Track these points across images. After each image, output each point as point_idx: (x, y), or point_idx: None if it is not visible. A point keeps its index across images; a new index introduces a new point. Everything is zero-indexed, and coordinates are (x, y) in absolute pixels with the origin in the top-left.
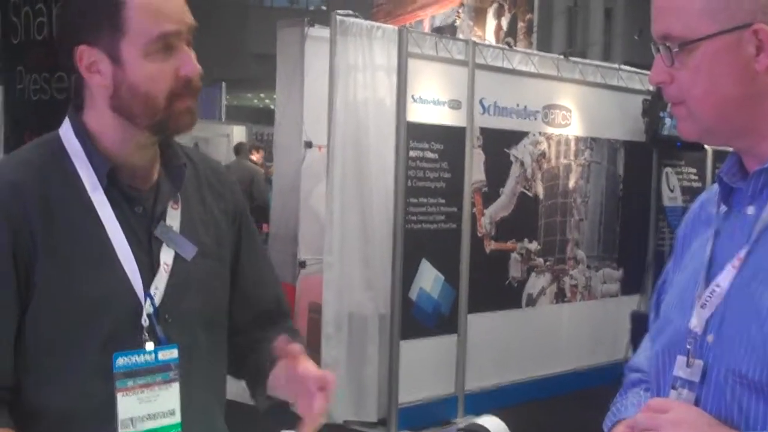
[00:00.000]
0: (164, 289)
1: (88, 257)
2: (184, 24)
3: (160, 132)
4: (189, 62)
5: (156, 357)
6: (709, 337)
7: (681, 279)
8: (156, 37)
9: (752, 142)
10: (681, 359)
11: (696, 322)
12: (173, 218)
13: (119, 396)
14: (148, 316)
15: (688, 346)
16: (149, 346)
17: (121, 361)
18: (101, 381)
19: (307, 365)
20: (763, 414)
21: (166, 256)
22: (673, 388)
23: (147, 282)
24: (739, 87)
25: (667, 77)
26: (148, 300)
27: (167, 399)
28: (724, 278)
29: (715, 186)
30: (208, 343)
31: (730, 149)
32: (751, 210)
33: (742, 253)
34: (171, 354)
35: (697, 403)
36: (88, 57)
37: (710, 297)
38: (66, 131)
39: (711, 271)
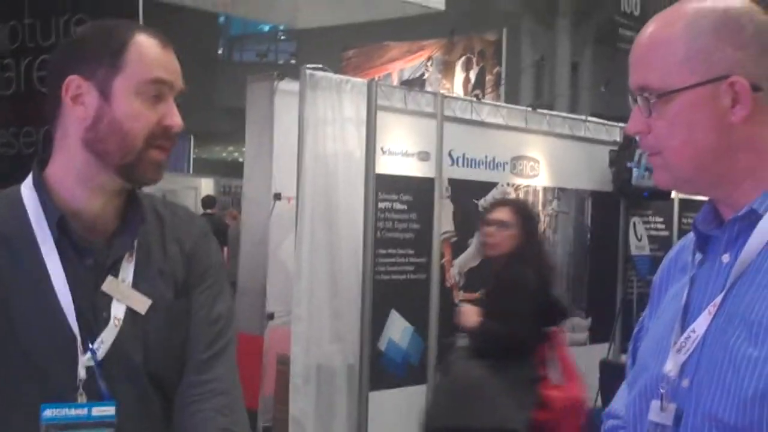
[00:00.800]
0: (111, 343)
1: (31, 309)
2: (177, 80)
3: (126, 176)
4: (174, 114)
5: (89, 412)
6: (684, 382)
7: (657, 326)
8: (150, 80)
9: (727, 192)
10: (655, 404)
11: (671, 367)
12: (126, 271)
13: None
14: (88, 369)
15: (662, 391)
16: (82, 400)
17: (48, 413)
18: (31, 430)
19: None
20: None
21: (117, 310)
22: None
23: (91, 335)
24: (716, 138)
25: (645, 128)
26: (88, 354)
27: None
28: (700, 324)
29: (691, 234)
30: (157, 397)
31: (699, 198)
32: (726, 258)
33: (718, 300)
34: (107, 410)
35: None
36: (76, 88)
37: (685, 342)
38: (26, 183)
39: (687, 317)
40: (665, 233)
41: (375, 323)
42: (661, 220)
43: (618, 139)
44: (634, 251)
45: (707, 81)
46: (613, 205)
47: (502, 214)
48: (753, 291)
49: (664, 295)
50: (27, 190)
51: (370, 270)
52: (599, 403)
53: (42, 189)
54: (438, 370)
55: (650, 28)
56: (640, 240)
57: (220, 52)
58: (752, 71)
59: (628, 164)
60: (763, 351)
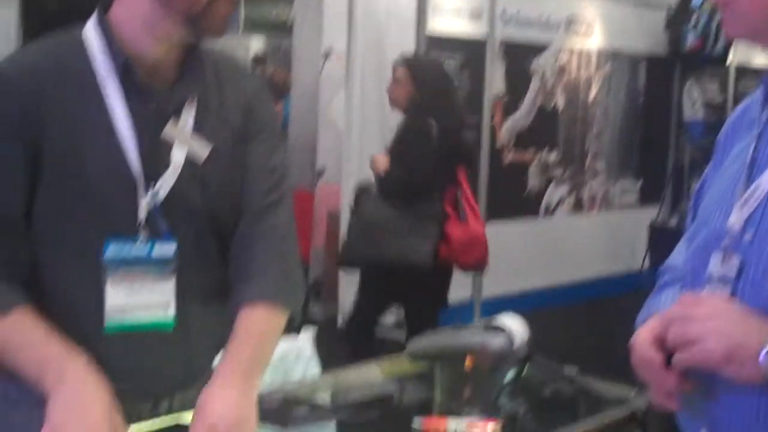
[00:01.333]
0: (172, 186)
1: (94, 147)
2: None
3: (191, 27)
4: None
5: (151, 250)
6: (747, 235)
7: (721, 181)
8: None
9: None
10: (716, 256)
11: (735, 220)
12: (187, 117)
13: (108, 284)
14: (149, 210)
15: (725, 244)
16: (144, 238)
17: (112, 249)
18: (93, 267)
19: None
20: None
21: (177, 155)
22: (708, 284)
23: (153, 177)
24: None
25: None
26: (149, 194)
27: (162, 293)
28: (766, 179)
29: (758, 92)
30: (214, 241)
31: (754, 66)
32: None
33: None
34: (168, 248)
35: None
36: None
37: (750, 196)
38: (90, 24)
39: (753, 172)
40: (720, 99)
41: None
42: (716, 85)
43: (674, 1)
44: (687, 116)
45: None
46: (668, 69)
47: (398, 72)
48: None
49: (729, 151)
50: (90, 31)
51: None
52: (647, 264)
53: (106, 31)
54: (352, 212)
55: None
56: (694, 105)
57: None
58: None
59: (684, 27)
60: None
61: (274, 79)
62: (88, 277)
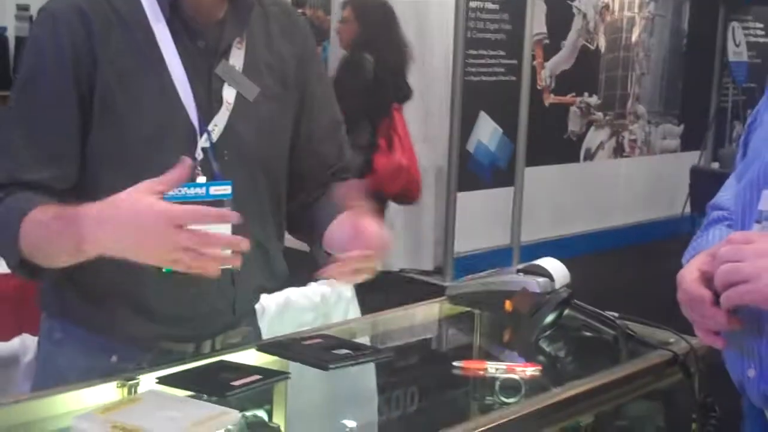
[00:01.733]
0: (224, 127)
1: (146, 87)
2: None
3: None
4: None
5: (207, 191)
6: None
7: None
8: None
9: None
10: (767, 193)
11: None
12: (237, 57)
13: None
14: (204, 150)
15: None
16: (201, 179)
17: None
18: None
19: (367, 221)
20: None
21: (228, 95)
22: (758, 222)
23: (205, 117)
24: None
25: None
26: (205, 135)
27: (217, 231)
28: None
29: None
30: (266, 183)
31: None
32: None
33: None
34: (224, 190)
35: None
36: None
37: None
38: None
39: None
40: (765, 39)
41: (464, 125)
42: (761, 26)
43: None
44: (731, 57)
45: None
46: (712, 8)
47: (345, 12)
48: None
49: None
50: None
51: (460, 71)
52: (688, 208)
53: None
54: None
55: None
56: (738, 46)
57: None
58: None
59: None
60: None
61: (314, 22)
62: None
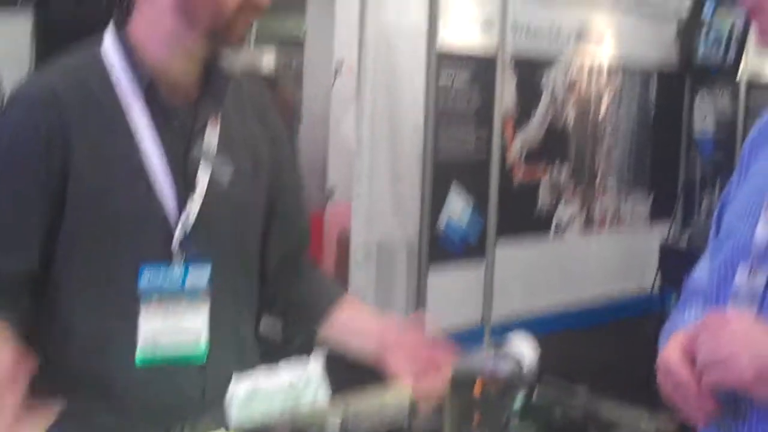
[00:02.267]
0: (198, 211)
1: (121, 172)
2: None
3: (213, 41)
4: None
5: (185, 277)
6: None
7: (746, 192)
8: None
9: None
10: (743, 269)
11: (762, 231)
12: (211, 137)
13: (142, 313)
14: (180, 235)
15: (752, 258)
16: (178, 265)
17: (147, 276)
18: (127, 298)
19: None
20: None
21: (202, 176)
22: (734, 298)
23: (181, 201)
24: None
25: None
26: (181, 219)
27: (194, 320)
28: None
29: None
30: (240, 267)
31: (766, 77)
32: None
33: None
34: (201, 275)
35: (759, 312)
36: None
37: None
38: (108, 41)
39: None
40: (731, 113)
41: (435, 201)
42: (727, 99)
43: (686, 13)
44: (698, 131)
45: None
46: (679, 83)
47: None
48: None
49: (754, 163)
50: (110, 48)
51: (430, 147)
52: (658, 283)
53: (128, 49)
54: None
55: None
56: (704, 119)
57: None
58: None
59: (696, 41)
60: None
61: (286, 96)
62: (119, 309)
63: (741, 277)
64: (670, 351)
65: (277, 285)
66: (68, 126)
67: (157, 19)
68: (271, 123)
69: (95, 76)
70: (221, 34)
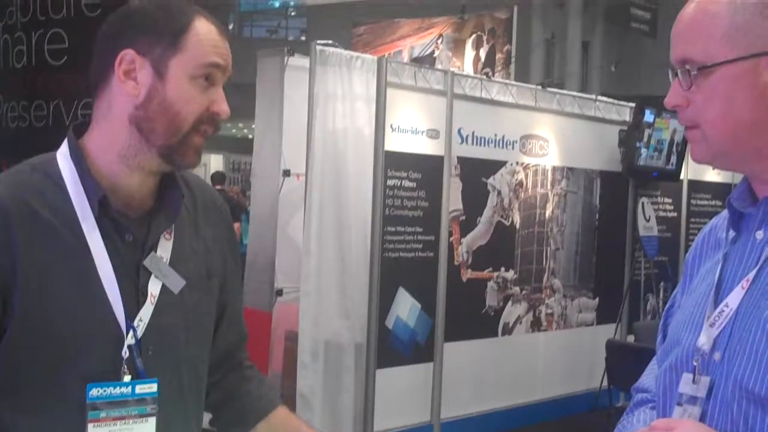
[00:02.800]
0: (148, 321)
1: (72, 286)
2: (229, 66)
3: (166, 158)
4: (223, 101)
5: (133, 390)
6: (716, 355)
7: (689, 301)
8: (206, 64)
9: (763, 167)
10: (687, 376)
11: (704, 340)
12: (164, 249)
13: (90, 427)
14: (129, 348)
15: (695, 363)
16: (127, 378)
17: (95, 392)
18: (76, 412)
19: None
20: None
21: (154, 288)
22: (679, 404)
23: (131, 313)
24: (754, 112)
25: (683, 101)
26: (131, 332)
27: None
28: (733, 299)
29: (724, 212)
30: (189, 378)
31: (708, 180)
32: (760, 234)
33: (751, 275)
34: (150, 388)
35: (702, 419)
36: (129, 62)
37: (719, 317)
38: (63, 153)
39: (720, 293)
40: (674, 214)
41: (383, 301)
42: (669, 201)
43: (628, 118)
44: (642, 232)
45: (748, 56)
46: (622, 185)
47: None
48: None
49: (697, 272)
50: (64, 161)
51: (378, 247)
52: (606, 382)
53: (82, 163)
54: None
55: (694, 2)
56: (648, 221)
57: (230, 27)
58: None
59: (637, 144)
60: None
61: (232, 199)
62: (66, 424)
63: (685, 383)
64: None
65: (213, 379)
66: (14, 242)
67: (113, 133)
68: (223, 228)
69: (49, 188)
70: (176, 151)
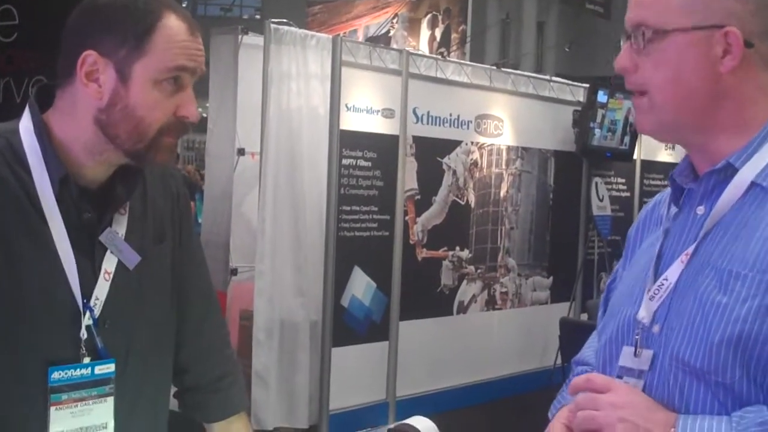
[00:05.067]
0: (104, 298)
1: (30, 263)
2: (199, 66)
3: (135, 160)
4: (191, 104)
5: (92, 371)
6: (656, 327)
7: (630, 274)
8: (173, 68)
9: (705, 140)
10: (628, 349)
11: (644, 314)
12: (120, 224)
13: (52, 410)
14: (87, 328)
15: (636, 337)
16: (86, 360)
17: (56, 375)
18: (36, 392)
19: None
20: (703, 399)
21: (109, 264)
22: (619, 377)
23: (88, 290)
24: (702, 82)
25: (632, 65)
26: (88, 312)
27: (101, 413)
28: (672, 272)
29: (667, 189)
30: (149, 353)
31: (660, 160)
32: (701, 210)
33: (690, 249)
34: (108, 368)
35: (643, 390)
36: (92, 64)
37: (658, 290)
38: (26, 127)
39: (660, 266)
40: (627, 194)
41: (338, 279)
42: (623, 181)
43: (582, 99)
44: (596, 211)
45: (703, 27)
46: (576, 165)
47: None
48: (725, 241)
49: (639, 247)
50: (27, 135)
51: (333, 226)
52: (559, 360)
53: (45, 141)
54: None
55: None
56: (602, 200)
57: (184, 5)
58: (746, 26)
59: (591, 124)
60: (731, 298)
61: (188, 176)
62: (27, 405)
63: (626, 355)
64: (554, 425)
65: (183, 361)
66: None
67: (79, 129)
68: (175, 201)
69: (10, 158)
70: (145, 154)
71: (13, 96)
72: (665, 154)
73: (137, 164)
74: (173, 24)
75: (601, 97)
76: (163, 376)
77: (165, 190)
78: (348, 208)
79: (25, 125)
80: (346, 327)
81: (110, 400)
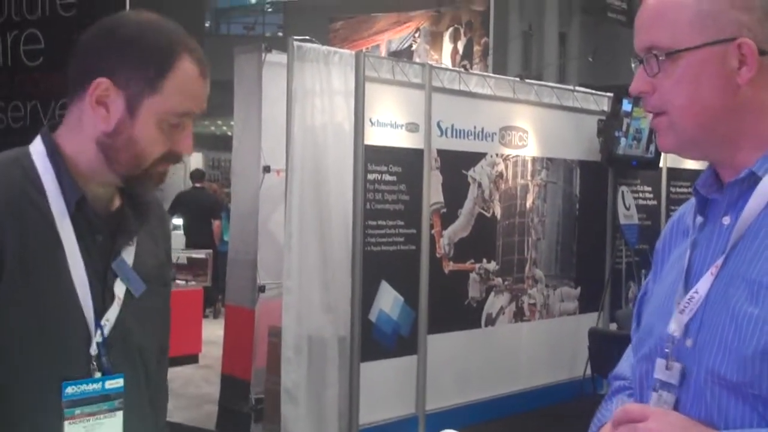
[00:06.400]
0: (114, 322)
1: (45, 284)
2: (203, 107)
3: (127, 184)
4: (189, 140)
5: (103, 386)
6: (688, 341)
7: (660, 289)
8: (178, 113)
9: (729, 154)
10: (660, 362)
11: (675, 327)
12: (128, 253)
13: (66, 424)
14: (98, 345)
15: (667, 350)
16: (97, 375)
17: (70, 390)
18: (49, 409)
19: None
20: (741, 413)
21: (119, 290)
22: (654, 390)
23: (99, 312)
24: (721, 98)
25: (649, 87)
26: (99, 330)
27: (111, 427)
28: (703, 285)
29: (692, 199)
30: (151, 375)
31: (686, 167)
32: (726, 220)
33: (719, 261)
34: (117, 383)
35: (677, 405)
36: (104, 91)
37: (689, 303)
38: (38, 149)
39: (689, 279)
40: (653, 202)
41: (365, 294)
42: (649, 189)
43: (606, 108)
44: (622, 220)
45: (716, 42)
46: (602, 174)
47: None
48: (753, 251)
49: (667, 259)
50: (40, 159)
51: (360, 241)
52: (589, 371)
53: (60, 163)
54: None
55: None
56: (628, 209)
57: (207, 24)
58: (758, 35)
59: (616, 133)
60: (763, 309)
61: (214, 195)
62: (43, 418)
63: (659, 370)
64: None
65: None
66: (4, 232)
67: (81, 148)
68: (166, 240)
69: (26, 188)
70: (137, 180)
71: (40, 119)
72: (691, 162)
73: (128, 187)
74: (187, 67)
75: (626, 105)
76: (158, 392)
77: (161, 228)
78: (374, 223)
79: (38, 150)
80: (374, 342)
81: (119, 414)
